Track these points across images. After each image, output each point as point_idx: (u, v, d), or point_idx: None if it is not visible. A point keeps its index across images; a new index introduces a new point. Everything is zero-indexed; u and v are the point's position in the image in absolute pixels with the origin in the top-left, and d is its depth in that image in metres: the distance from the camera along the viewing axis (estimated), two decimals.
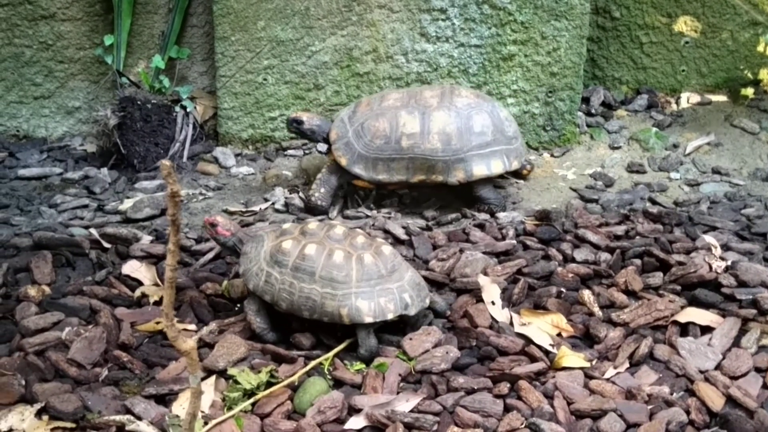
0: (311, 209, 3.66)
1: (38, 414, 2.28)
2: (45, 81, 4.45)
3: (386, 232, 3.40)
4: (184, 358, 2.50)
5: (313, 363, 2.54)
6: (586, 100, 4.58)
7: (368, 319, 2.61)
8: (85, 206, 3.72)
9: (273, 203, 3.76)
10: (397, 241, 3.34)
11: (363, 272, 2.65)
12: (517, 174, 4.02)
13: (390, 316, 2.63)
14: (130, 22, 4.34)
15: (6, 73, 4.41)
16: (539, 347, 2.65)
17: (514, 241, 3.33)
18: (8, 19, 4.32)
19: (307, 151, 4.28)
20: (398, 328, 2.76)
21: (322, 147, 3.93)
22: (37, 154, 4.31)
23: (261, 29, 4.12)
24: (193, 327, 2.77)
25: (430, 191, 3.80)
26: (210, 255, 3.24)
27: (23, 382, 2.38)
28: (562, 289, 2.99)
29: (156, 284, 2.99)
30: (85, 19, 4.38)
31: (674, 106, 4.63)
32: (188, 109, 4.24)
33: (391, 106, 3.62)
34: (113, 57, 4.32)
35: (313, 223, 2.82)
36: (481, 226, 3.47)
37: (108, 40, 4.28)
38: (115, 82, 4.39)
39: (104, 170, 4.10)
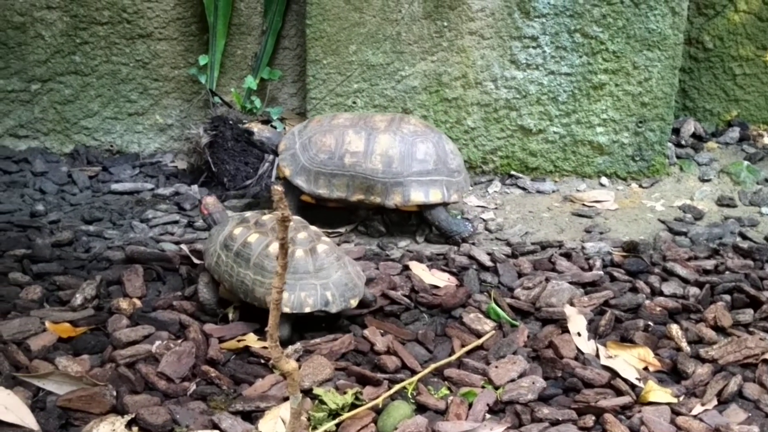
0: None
1: (128, 425, 2.32)
2: (140, 98, 4.57)
3: (471, 258, 3.40)
4: (284, 378, 2.57)
5: (397, 387, 2.54)
6: (676, 131, 4.53)
7: (286, 310, 2.74)
8: (176, 222, 3.80)
9: (356, 225, 3.79)
10: (482, 268, 3.33)
11: (291, 265, 2.76)
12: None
13: (307, 310, 2.77)
14: (224, 43, 4.43)
15: (103, 90, 4.53)
16: (625, 381, 2.61)
17: (601, 272, 3.29)
18: (107, 37, 4.44)
19: None
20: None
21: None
22: (129, 170, 4.42)
23: (352, 53, 4.17)
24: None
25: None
26: None
27: (114, 393, 2.42)
28: (650, 323, 2.94)
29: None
30: (181, 39, 4.48)
31: (766, 140, 4.55)
32: (278, 130, 4.31)
33: (340, 124, 3.66)
34: (207, 77, 4.41)
35: (268, 215, 2.98)
36: (567, 256, 3.45)
37: (202, 60, 4.38)
38: (207, 101, 4.48)
39: (194, 187, 4.17)
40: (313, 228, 3.00)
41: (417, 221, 3.78)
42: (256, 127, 3.91)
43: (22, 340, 2.70)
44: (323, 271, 2.83)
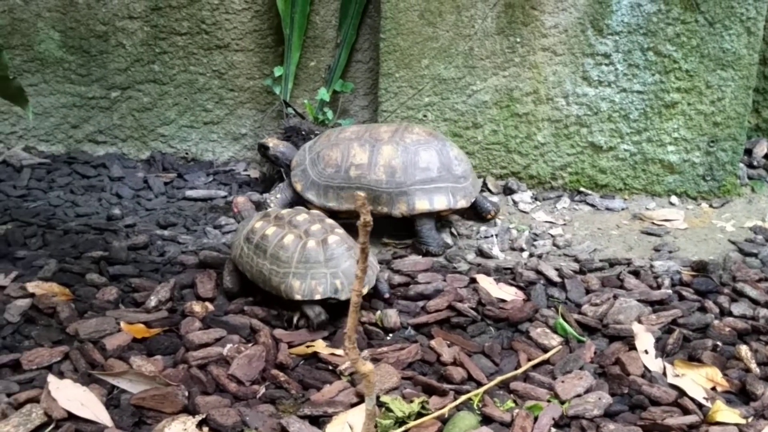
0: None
1: (199, 425, 2.37)
2: (215, 107, 4.66)
3: (539, 272, 3.41)
4: (352, 385, 2.61)
5: (463, 398, 2.56)
6: (748, 152, 4.49)
7: (297, 297, 2.93)
8: None
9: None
10: (549, 283, 3.34)
11: (303, 255, 2.96)
12: (481, 217, 3.99)
13: (317, 297, 2.92)
14: (299, 55, 4.51)
15: (180, 98, 4.64)
16: (693, 400, 2.59)
17: (670, 291, 3.28)
18: (186, 47, 4.55)
19: None
20: None
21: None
22: (203, 177, 4.51)
23: (425, 67, 4.21)
24: (341, 352, 2.83)
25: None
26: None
27: (186, 394, 2.49)
28: (718, 343, 2.91)
29: None
30: (257, 51, 4.57)
31: None
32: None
33: (346, 137, 3.73)
34: (281, 88, 4.49)
35: (287, 210, 3.21)
36: (636, 274, 3.44)
37: (278, 71, 4.45)
38: (281, 111, 4.56)
39: (266, 195, 4.23)
40: (329, 221, 3.16)
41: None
42: (271, 142, 4.02)
43: (98, 339, 2.78)
44: (333, 261, 2.98)
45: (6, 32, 4.54)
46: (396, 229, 3.78)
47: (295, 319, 2.98)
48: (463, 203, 3.69)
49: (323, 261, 2.97)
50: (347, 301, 2.89)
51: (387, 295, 3.17)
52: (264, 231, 3.07)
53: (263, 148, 4.03)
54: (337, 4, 4.49)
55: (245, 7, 4.49)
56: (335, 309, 3.01)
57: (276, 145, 4.01)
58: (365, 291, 2.98)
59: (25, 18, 4.53)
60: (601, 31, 4.06)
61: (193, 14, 4.49)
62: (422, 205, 3.62)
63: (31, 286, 3.09)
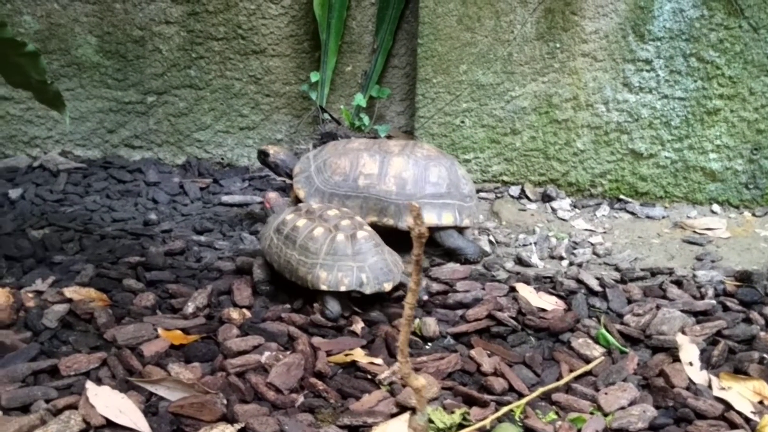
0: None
1: None
2: (251, 113, 4.65)
3: (579, 282, 3.35)
4: (391, 395, 2.57)
5: (504, 409, 2.51)
6: None
7: (323, 287, 3.00)
8: None
9: None
10: (590, 293, 3.29)
11: (331, 248, 3.03)
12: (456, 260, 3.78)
13: (342, 288, 3.00)
14: (335, 60, 4.49)
15: (216, 104, 4.63)
16: (740, 414, 2.53)
17: (714, 302, 3.21)
18: (222, 52, 4.54)
19: (498, 195, 4.29)
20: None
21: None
22: (239, 182, 4.49)
23: (463, 73, 4.17)
24: (380, 361, 2.79)
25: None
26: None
27: (225, 402, 2.46)
28: (765, 355, 2.85)
29: (355, 313, 3.07)
30: (293, 56, 4.56)
31: None
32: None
33: (355, 148, 3.70)
34: (317, 93, 4.48)
35: (318, 205, 3.29)
36: (678, 283, 3.38)
37: (314, 76, 4.44)
38: (316, 117, 4.54)
39: None
40: (359, 219, 3.23)
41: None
42: (271, 149, 4.00)
43: (136, 345, 2.76)
44: (360, 255, 3.04)
45: (44, 37, 4.56)
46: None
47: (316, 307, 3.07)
48: (467, 222, 3.66)
49: (351, 254, 3.04)
50: (370, 296, 3.08)
51: (425, 297, 3.20)
52: (295, 223, 3.15)
53: (263, 155, 4.01)
54: (374, 9, 4.47)
55: (282, 13, 4.48)
56: (356, 303, 3.10)
57: (276, 152, 3.99)
58: (389, 287, 3.07)
59: (62, 23, 4.54)
60: (642, 36, 4.01)
61: (229, 19, 4.48)
62: (430, 219, 3.58)
63: (69, 292, 3.08)
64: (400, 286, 3.17)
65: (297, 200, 3.73)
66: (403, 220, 3.59)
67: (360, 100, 4.43)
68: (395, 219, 3.60)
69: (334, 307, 3.01)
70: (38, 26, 4.54)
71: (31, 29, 4.54)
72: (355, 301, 3.10)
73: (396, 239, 3.50)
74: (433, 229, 3.58)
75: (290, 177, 3.90)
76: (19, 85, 3.25)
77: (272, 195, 3.57)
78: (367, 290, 3.02)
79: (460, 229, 3.68)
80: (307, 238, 3.07)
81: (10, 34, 2.98)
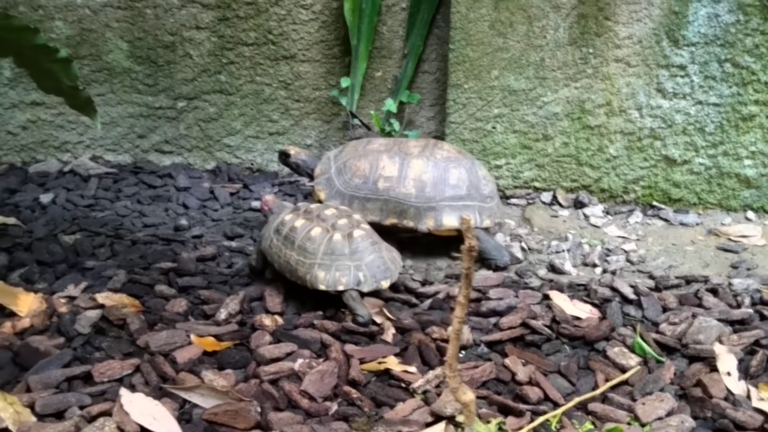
0: None
1: None
2: (281, 118, 4.64)
3: (613, 290, 3.32)
4: (426, 404, 2.54)
5: (540, 419, 2.48)
6: None
7: (322, 287, 3.05)
8: None
9: None
10: (625, 301, 3.25)
11: (329, 247, 3.08)
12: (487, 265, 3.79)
13: (340, 288, 3.05)
14: (365, 65, 4.47)
15: (246, 109, 4.63)
16: None
17: (751, 310, 3.17)
18: (252, 58, 4.54)
19: (530, 201, 4.26)
20: None
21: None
22: (269, 188, 4.49)
23: (494, 78, 4.15)
24: (413, 369, 2.77)
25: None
26: (440, 295, 3.27)
27: (259, 409, 2.44)
28: None
29: (389, 319, 3.06)
30: (323, 61, 4.55)
31: None
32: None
33: (375, 149, 3.70)
34: (348, 99, 4.46)
35: (316, 205, 3.32)
36: (713, 291, 3.33)
37: (344, 82, 4.43)
38: (346, 122, 4.53)
39: None
40: (356, 217, 3.28)
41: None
42: (292, 150, 4.02)
43: (169, 351, 2.75)
44: (358, 254, 3.10)
45: (75, 42, 4.57)
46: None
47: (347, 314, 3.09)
48: (488, 223, 3.66)
49: (348, 254, 3.09)
50: (368, 293, 3.14)
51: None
52: (293, 223, 3.20)
53: (284, 156, 4.04)
54: (405, 14, 4.45)
55: (312, 18, 4.47)
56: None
57: (297, 152, 4.02)
58: (386, 285, 3.15)
59: (93, 28, 4.55)
60: (676, 42, 3.97)
61: (260, 25, 4.48)
62: (450, 221, 3.59)
63: (101, 297, 3.08)
64: (399, 283, 3.29)
65: (320, 202, 3.74)
66: (423, 223, 3.60)
67: (390, 105, 4.41)
68: (415, 221, 3.61)
69: (362, 311, 3.03)
70: (69, 31, 4.56)
71: (63, 35, 4.56)
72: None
73: (414, 239, 3.64)
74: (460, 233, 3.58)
75: (311, 177, 3.92)
76: (51, 91, 3.26)
77: (269, 197, 3.61)
78: (365, 288, 3.08)
79: (487, 231, 3.70)
80: (305, 238, 3.12)
81: (43, 40, 2.98)
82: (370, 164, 3.67)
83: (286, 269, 3.16)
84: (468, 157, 3.74)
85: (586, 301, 3.24)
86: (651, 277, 3.54)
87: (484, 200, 3.66)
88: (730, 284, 3.42)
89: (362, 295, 3.10)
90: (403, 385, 2.67)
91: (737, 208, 4.17)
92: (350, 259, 3.08)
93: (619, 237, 3.94)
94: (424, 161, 3.63)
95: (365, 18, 4.39)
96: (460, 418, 2.44)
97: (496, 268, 3.56)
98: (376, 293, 3.18)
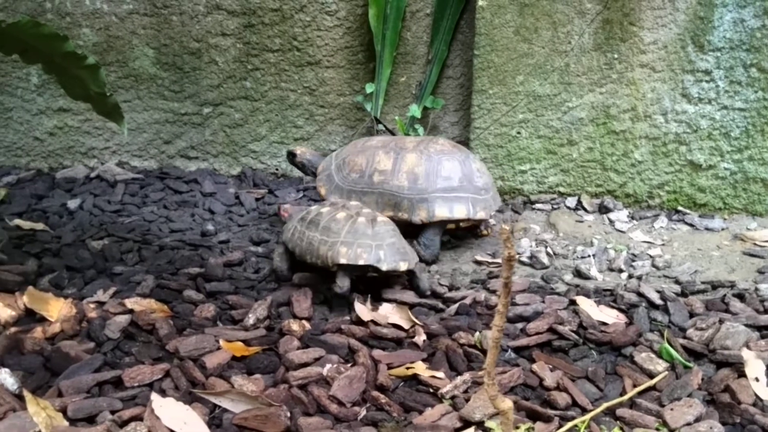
0: None
1: None
2: (306, 124, 4.67)
3: (640, 295, 3.31)
4: (454, 409, 2.55)
5: (569, 424, 2.49)
6: None
7: (343, 260, 3.15)
8: None
9: (519, 255, 3.75)
10: (651, 306, 3.25)
11: (353, 228, 3.20)
12: (475, 234, 4.00)
13: (360, 262, 3.14)
14: (390, 71, 4.49)
15: (271, 115, 4.66)
16: None
17: None
18: (277, 64, 4.56)
19: (555, 206, 4.26)
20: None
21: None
22: (294, 193, 4.51)
23: (519, 83, 4.16)
24: (441, 375, 2.78)
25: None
26: (466, 300, 3.28)
27: (288, 414, 2.45)
28: None
29: (414, 325, 3.07)
30: (348, 67, 4.57)
31: None
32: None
33: (373, 146, 3.81)
34: (372, 104, 4.48)
35: (341, 200, 3.51)
36: (740, 297, 3.32)
37: (369, 88, 4.45)
38: (371, 128, 4.54)
39: None
40: (378, 213, 3.36)
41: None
42: (299, 150, 4.14)
43: (198, 356, 2.77)
44: (379, 236, 3.20)
45: (102, 49, 4.62)
46: (490, 246, 3.73)
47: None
48: (482, 214, 3.72)
49: (370, 235, 3.19)
50: (384, 279, 3.30)
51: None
52: (319, 210, 3.35)
53: (291, 155, 4.15)
54: (429, 20, 4.47)
55: (337, 24, 4.49)
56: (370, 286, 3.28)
57: (303, 152, 4.13)
58: (404, 267, 3.22)
59: (120, 35, 4.59)
60: (702, 47, 3.96)
61: (285, 31, 4.51)
62: (442, 212, 3.67)
63: (130, 303, 3.10)
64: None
65: (323, 199, 3.83)
66: (416, 215, 3.68)
67: (414, 110, 4.43)
68: (409, 213, 3.69)
69: (344, 282, 3.15)
70: (96, 39, 4.60)
71: (90, 42, 4.60)
72: (368, 283, 3.28)
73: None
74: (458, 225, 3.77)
75: (316, 176, 4.01)
76: (79, 98, 3.29)
77: (287, 206, 3.81)
78: (384, 266, 3.16)
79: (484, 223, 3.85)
80: (330, 220, 3.24)
81: (72, 47, 3.02)
82: (367, 159, 3.77)
83: (307, 251, 3.26)
84: (462, 150, 3.81)
85: (612, 307, 3.23)
86: (677, 282, 3.53)
87: (478, 192, 3.72)
88: (756, 289, 3.41)
89: (377, 275, 3.24)
90: (431, 390, 2.67)
91: (763, 212, 4.15)
92: (372, 239, 3.18)
93: (645, 242, 3.93)
94: (418, 155, 3.72)
95: (390, 24, 4.41)
96: (489, 424, 2.45)
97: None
98: (401, 300, 3.20)
